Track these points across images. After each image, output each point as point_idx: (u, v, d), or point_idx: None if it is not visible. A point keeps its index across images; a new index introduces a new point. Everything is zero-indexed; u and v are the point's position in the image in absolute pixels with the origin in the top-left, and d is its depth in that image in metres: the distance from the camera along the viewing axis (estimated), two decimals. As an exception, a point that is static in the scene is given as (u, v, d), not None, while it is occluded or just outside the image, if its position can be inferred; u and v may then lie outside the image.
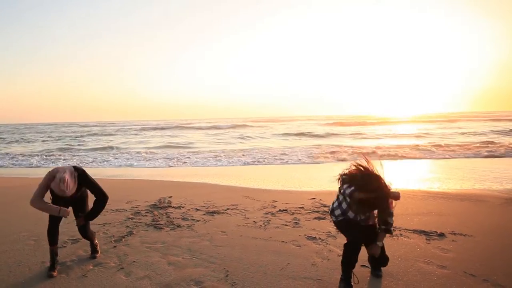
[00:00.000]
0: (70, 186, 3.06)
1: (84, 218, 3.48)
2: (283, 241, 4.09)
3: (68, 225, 4.79)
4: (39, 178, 3.79)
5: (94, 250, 3.73)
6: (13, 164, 14.17)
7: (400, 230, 4.43)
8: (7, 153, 18.46)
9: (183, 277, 3.18)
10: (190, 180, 9.34)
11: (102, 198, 3.42)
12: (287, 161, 13.09)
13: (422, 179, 8.72)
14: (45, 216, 3.64)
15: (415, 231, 4.41)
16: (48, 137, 34.70)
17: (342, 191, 2.96)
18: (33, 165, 13.89)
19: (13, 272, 3.30)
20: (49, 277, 3.18)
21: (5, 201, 6.53)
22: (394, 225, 4.62)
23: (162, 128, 45.84)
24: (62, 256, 3.67)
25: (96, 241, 3.77)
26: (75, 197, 3.34)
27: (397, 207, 5.82)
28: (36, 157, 16.06)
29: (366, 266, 3.35)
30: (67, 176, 3.05)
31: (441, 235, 4.25)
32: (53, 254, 3.31)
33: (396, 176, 9.56)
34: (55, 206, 3.15)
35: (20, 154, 17.52)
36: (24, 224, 4.65)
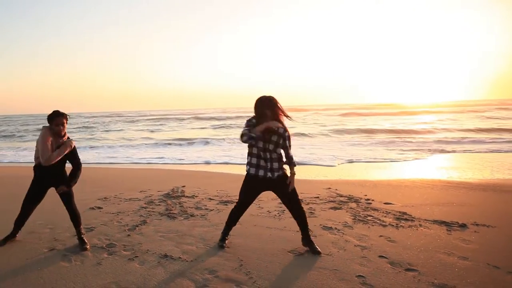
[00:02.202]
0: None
1: (70, 180, 3.68)
2: (298, 231, 4.05)
3: (83, 214, 4.87)
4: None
5: (81, 239, 3.74)
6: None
7: (419, 221, 4.36)
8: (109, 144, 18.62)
9: (197, 266, 3.20)
10: (202, 169, 9.39)
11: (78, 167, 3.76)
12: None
13: (442, 169, 8.56)
14: (62, 206, 3.75)
15: (435, 221, 4.32)
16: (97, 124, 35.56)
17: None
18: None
19: (30, 259, 3.38)
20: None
21: (21, 190, 6.69)
22: (413, 215, 4.58)
23: (182, 119, 43.84)
24: (77, 244, 3.74)
25: (83, 231, 3.84)
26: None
27: (416, 197, 5.76)
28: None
29: (384, 257, 3.31)
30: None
31: (463, 226, 4.16)
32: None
33: (417, 166, 9.40)
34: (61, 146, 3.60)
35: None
36: (40, 213, 4.74)
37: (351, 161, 10.27)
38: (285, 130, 3.37)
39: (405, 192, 5.95)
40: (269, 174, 3.39)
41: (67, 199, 3.72)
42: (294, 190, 3.47)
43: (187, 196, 5.91)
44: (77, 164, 3.74)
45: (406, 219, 4.43)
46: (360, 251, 3.49)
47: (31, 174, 3.83)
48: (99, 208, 5.21)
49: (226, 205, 5.31)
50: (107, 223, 4.48)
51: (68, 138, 3.72)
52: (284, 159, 3.49)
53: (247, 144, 3.38)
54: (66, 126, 3.65)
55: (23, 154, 14.68)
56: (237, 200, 3.67)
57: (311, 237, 3.60)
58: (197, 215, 4.80)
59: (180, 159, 11.94)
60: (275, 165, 3.41)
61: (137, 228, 4.27)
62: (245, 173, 3.53)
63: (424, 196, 5.67)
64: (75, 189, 3.83)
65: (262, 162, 3.40)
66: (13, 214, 3.94)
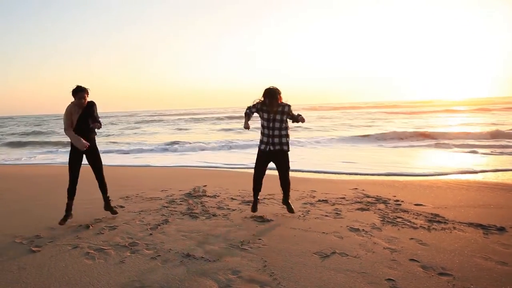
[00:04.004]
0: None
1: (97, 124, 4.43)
2: (323, 232, 4.04)
3: (105, 212, 5.02)
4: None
5: (108, 205, 4.78)
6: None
7: (453, 223, 4.23)
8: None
9: (220, 266, 3.23)
10: (224, 168, 9.47)
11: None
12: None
13: (477, 169, 8.27)
14: (88, 203, 3.85)
15: (470, 224, 4.19)
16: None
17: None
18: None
19: (55, 257, 3.51)
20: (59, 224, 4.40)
21: (54, 187, 6.95)
22: (446, 218, 4.46)
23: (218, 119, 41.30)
24: (100, 243, 3.86)
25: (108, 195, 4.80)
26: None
27: (450, 198, 5.60)
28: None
29: (415, 260, 3.24)
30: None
31: (501, 229, 4.01)
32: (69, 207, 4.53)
33: (448, 165, 9.15)
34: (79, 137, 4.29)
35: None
36: (61, 211, 4.89)
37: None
38: (287, 105, 4.46)
39: (437, 193, 5.79)
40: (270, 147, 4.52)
41: (98, 169, 4.57)
42: (287, 163, 4.59)
43: (208, 196, 5.97)
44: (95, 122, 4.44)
45: (438, 222, 4.31)
46: (390, 253, 3.42)
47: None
48: (121, 207, 5.34)
49: (249, 205, 5.31)
50: (129, 221, 4.59)
51: (89, 102, 4.43)
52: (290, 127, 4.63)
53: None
54: (87, 98, 4.36)
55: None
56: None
57: (290, 202, 4.75)
58: (219, 215, 4.84)
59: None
60: (276, 140, 4.49)
61: (159, 227, 4.35)
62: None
63: (458, 197, 5.51)
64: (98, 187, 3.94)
65: (265, 139, 4.54)
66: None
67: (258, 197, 4.86)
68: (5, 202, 5.90)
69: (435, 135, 15.92)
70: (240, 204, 5.39)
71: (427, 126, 21.83)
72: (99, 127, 4.42)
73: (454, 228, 4.09)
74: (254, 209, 4.75)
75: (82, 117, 4.37)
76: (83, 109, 4.37)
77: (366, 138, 16.38)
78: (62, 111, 4.36)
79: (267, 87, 4.46)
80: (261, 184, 4.73)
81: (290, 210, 4.69)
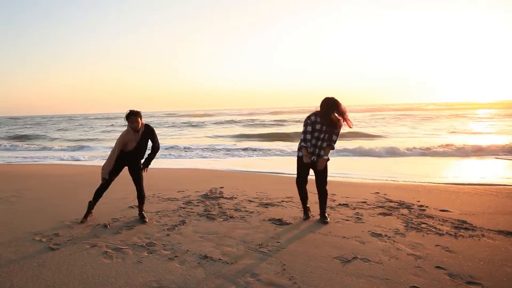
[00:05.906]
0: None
1: (144, 164, 4.82)
2: (344, 237, 4.01)
3: (122, 212, 5.11)
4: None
5: (142, 215, 4.78)
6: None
7: (482, 231, 4.13)
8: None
9: (238, 268, 3.24)
10: (241, 169, 9.49)
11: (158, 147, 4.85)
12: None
13: (507, 175, 8.06)
14: (106, 203, 3.93)
15: (500, 232, 4.08)
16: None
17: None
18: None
19: (73, 255, 3.59)
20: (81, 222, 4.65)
21: (72, 187, 7.12)
22: (474, 224, 4.35)
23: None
24: (118, 242, 3.93)
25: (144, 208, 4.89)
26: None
27: (477, 204, 5.47)
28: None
29: (442, 268, 3.17)
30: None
31: (534, 237, 3.90)
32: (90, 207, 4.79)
33: (476, 172, 8.95)
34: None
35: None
36: (80, 210, 5.01)
37: None
38: (340, 125, 4.45)
39: (464, 199, 5.66)
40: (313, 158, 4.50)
41: (138, 180, 4.75)
42: (324, 170, 4.52)
43: (225, 198, 6.01)
44: (154, 147, 4.80)
45: (466, 228, 4.22)
46: (414, 260, 3.37)
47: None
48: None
49: (267, 207, 5.33)
50: (146, 222, 4.65)
51: (145, 125, 4.68)
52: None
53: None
54: (141, 121, 4.59)
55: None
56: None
57: (326, 214, 4.67)
58: (237, 217, 4.86)
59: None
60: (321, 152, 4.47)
61: (176, 228, 4.40)
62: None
63: (486, 204, 5.37)
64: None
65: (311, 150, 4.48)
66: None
67: (307, 205, 4.84)
68: (24, 201, 6.07)
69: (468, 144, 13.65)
70: (257, 206, 5.40)
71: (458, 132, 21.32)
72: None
73: (483, 235, 3.99)
74: (306, 215, 4.77)
75: (141, 142, 4.66)
76: (141, 134, 4.62)
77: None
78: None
79: (328, 98, 4.35)
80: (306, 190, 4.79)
81: (323, 221, 4.55)
